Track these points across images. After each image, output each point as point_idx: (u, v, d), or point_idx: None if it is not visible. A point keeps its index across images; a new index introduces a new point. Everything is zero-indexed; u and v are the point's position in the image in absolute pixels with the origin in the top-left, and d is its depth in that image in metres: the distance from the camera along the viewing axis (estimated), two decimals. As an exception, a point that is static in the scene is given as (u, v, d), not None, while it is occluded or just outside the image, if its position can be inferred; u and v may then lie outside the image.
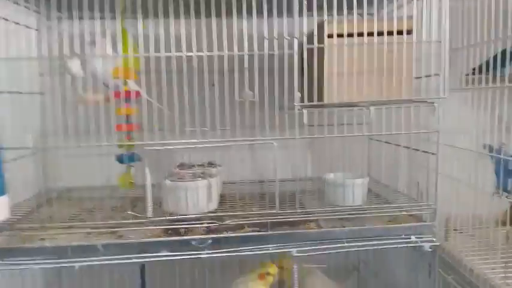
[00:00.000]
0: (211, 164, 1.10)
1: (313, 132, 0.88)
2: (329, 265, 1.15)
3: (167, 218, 0.88)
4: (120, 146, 0.89)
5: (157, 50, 0.84)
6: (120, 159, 0.92)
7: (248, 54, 0.84)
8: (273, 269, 0.98)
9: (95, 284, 1.21)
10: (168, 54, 0.84)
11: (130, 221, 0.89)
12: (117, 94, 0.87)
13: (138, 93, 0.88)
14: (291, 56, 0.84)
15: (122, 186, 0.96)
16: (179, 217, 0.89)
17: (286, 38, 0.83)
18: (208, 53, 0.84)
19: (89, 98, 0.85)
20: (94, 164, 1.01)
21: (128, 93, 0.88)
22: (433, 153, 0.91)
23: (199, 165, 1.08)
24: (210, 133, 0.87)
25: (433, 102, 0.88)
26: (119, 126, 0.88)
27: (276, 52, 0.84)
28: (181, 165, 1.11)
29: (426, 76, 0.92)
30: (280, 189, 0.89)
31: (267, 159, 1.22)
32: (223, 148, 0.91)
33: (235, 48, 0.84)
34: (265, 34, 0.83)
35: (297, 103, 0.84)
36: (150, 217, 0.87)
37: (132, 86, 0.91)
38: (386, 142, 1.05)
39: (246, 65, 0.84)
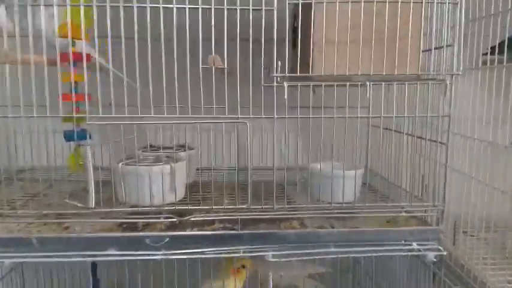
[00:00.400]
0: (182, 147, 0.95)
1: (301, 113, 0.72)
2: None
3: (114, 209, 0.73)
4: (66, 120, 0.73)
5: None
6: (67, 137, 0.77)
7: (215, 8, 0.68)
8: (248, 261, 0.85)
9: (40, 280, 1.07)
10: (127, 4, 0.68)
11: (71, 211, 0.74)
12: (63, 57, 0.71)
13: (88, 57, 0.72)
14: (271, 15, 0.68)
15: (72, 169, 0.81)
16: (130, 209, 0.75)
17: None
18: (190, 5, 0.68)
19: (19, 56, 0.69)
20: (49, 141, 0.86)
21: (76, 55, 0.72)
22: (441, 143, 0.75)
23: (166, 148, 0.93)
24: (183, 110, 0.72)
25: (444, 80, 0.72)
26: (66, 96, 0.73)
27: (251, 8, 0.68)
28: (146, 148, 0.96)
29: (437, 48, 0.75)
30: (263, 180, 0.74)
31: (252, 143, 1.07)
32: (201, 128, 0.75)
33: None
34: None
35: (275, 73, 0.68)
36: (92, 208, 0.72)
37: (84, 47, 0.75)
38: (386, 129, 0.88)
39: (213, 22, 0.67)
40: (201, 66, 0.67)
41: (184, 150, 0.90)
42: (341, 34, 0.70)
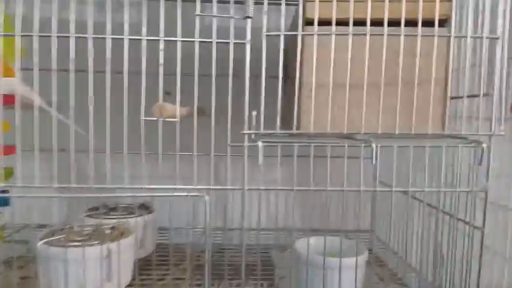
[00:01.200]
0: (144, 207, 0.76)
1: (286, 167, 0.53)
2: None
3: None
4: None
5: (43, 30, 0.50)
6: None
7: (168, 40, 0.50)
8: None
9: None
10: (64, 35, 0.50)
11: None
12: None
13: (10, 100, 0.54)
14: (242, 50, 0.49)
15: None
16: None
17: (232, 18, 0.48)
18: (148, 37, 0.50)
19: None
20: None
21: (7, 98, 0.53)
22: (476, 227, 0.54)
23: (124, 208, 0.75)
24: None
25: (479, 142, 0.53)
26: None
27: (215, 41, 0.49)
28: (96, 209, 0.76)
29: (470, 96, 0.56)
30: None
31: (233, 200, 0.88)
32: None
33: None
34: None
35: (245, 130, 0.49)
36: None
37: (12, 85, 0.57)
38: (398, 191, 0.68)
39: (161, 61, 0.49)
40: (142, 118, 0.48)
41: (140, 215, 0.71)
42: (338, 76, 0.51)
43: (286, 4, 0.51)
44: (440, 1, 0.53)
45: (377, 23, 0.52)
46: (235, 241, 0.90)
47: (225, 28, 0.51)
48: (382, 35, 0.50)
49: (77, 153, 0.50)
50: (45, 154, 0.51)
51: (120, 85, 0.49)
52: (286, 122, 0.58)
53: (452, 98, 0.56)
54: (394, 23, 0.51)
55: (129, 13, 0.50)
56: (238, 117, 0.49)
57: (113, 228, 0.64)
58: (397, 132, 0.51)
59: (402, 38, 0.51)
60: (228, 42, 0.48)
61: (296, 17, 0.54)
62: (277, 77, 0.50)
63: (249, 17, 0.48)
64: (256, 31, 0.50)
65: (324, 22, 0.51)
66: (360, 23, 0.51)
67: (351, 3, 0.49)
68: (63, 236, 0.59)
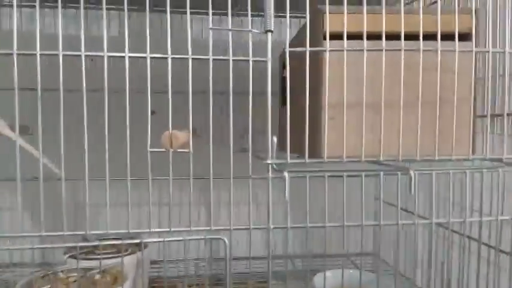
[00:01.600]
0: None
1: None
2: None
3: None
4: None
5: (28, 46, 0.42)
6: None
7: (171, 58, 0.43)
8: None
9: None
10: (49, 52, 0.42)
11: None
12: None
13: None
14: (262, 68, 0.44)
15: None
16: None
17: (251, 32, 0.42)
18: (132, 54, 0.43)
19: None
20: None
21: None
22: (506, 253, 0.51)
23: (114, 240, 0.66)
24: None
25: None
26: None
27: (231, 58, 0.43)
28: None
29: (498, 115, 0.52)
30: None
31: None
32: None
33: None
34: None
35: (270, 160, 0.42)
36: None
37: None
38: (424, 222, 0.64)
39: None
40: (149, 150, 0.41)
41: (130, 253, 0.63)
42: (359, 95, 0.46)
43: (295, 17, 0.46)
44: (461, 14, 0.49)
45: (393, 35, 0.47)
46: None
47: (219, 42, 0.45)
48: (414, 50, 0.45)
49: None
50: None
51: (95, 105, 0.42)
52: (295, 149, 0.52)
53: (480, 116, 0.52)
54: (411, 35, 0.47)
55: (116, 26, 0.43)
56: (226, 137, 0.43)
57: (103, 272, 0.56)
58: (436, 157, 0.46)
59: (421, 54, 0.47)
60: (247, 60, 0.42)
61: (302, 31, 0.49)
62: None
63: (270, 31, 0.42)
64: (256, 46, 0.44)
65: (337, 36, 0.46)
66: (373, 35, 0.47)
67: (383, 16, 0.44)
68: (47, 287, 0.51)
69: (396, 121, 0.47)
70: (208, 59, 0.44)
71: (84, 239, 0.68)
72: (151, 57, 0.43)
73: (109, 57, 0.41)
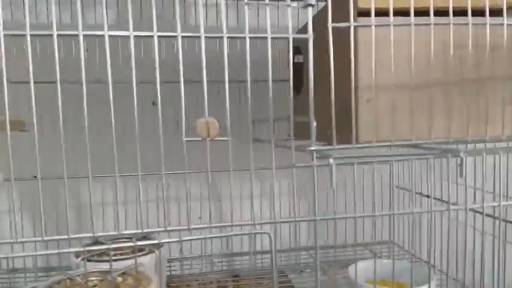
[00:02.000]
0: (148, 240, 0.64)
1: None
2: None
3: None
4: None
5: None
6: None
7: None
8: None
9: None
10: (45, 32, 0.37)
11: None
12: None
13: None
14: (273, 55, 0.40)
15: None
16: None
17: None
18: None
19: None
20: None
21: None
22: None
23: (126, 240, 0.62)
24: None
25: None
26: None
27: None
28: (96, 244, 0.63)
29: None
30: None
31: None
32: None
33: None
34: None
35: (313, 146, 0.39)
36: None
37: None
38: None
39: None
40: (184, 139, 0.37)
41: (143, 254, 0.59)
42: (394, 76, 0.43)
43: None
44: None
45: (439, 12, 0.44)
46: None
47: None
48: (462, 24, 0.42)
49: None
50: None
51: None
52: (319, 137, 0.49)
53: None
54: (460, 11, 0.44)
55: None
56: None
57: (123, 274, 0.52)
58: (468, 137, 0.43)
59: (470, 30, 0.44)
60: (286, 38, 0.38)
61: (322, 13, 0.45)
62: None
63: (310, 5, 0.38)
64: (257, 30, 0.40)
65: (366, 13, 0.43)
66: (419, 13, 0.44)
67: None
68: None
69: (440, 102, 0.44)
70: (222, 37, 0.39)
71: (96, 241, 0.64)
72: (158, 36, 0.38)
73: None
